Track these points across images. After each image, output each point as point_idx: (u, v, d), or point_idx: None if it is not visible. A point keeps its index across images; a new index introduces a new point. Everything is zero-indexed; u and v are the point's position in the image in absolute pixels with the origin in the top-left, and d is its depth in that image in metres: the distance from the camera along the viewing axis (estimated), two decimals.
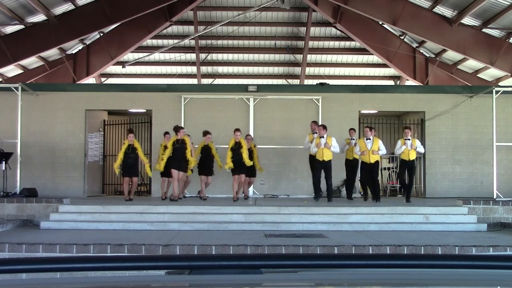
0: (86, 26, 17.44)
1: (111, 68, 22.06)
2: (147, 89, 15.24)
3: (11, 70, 19.64)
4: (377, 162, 11.81)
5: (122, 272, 1.35)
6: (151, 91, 14.97)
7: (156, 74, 23.43)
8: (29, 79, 19.01)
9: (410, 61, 20.26)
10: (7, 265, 1.27)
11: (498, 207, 10.61)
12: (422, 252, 7.23)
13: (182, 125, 14.12)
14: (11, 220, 10.11)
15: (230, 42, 21.56)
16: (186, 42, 20.70)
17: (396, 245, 7.55)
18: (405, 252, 7.21)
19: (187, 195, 13.24)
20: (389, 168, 16.00)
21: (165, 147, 12.13)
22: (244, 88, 14.76)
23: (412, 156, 11.82)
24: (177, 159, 11.57)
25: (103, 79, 23.03)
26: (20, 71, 19.86)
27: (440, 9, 16.94)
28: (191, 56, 22.12)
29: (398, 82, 22.94)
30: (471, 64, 19.40)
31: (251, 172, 12.40)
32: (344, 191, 13.62)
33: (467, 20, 16.98)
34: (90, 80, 21.44)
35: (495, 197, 12.16)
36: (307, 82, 22.34)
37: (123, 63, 20.83)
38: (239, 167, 11.68)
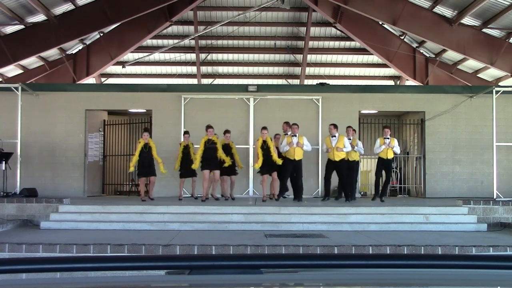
0: (86, 26, 17.44)
1: (111, 68, 22.06)
2: (147, 89, 15.24)
3: (11, 70, 19.64)
4: (343, 160, 11.71)
5: (122, 272, 1.35)
6: (151, 91, 14.97)
7: (156, 74, 23.43)
8: (29, 79, 19.01)
9: (410, 61, 20.26)
10: (7, 265, 1.27)
11: (498, 207, 10.61)
12: (422, 252, 7.23)
13: (182, 126, 14.16)
14: (11, 220, 10.11)
15: (230, 42, 21.57)
16: (186, 42, 20.70)
17: (396, 245, 7.54)
18: (405, 252, 7.21)
19: (218, 196, 12.58)
20: None
21: (184, 147, 12.10)
22: (244, 88, 14.76)
23: (390, 155, 11.89)
24: (208, 159, 11.42)
25: (103, 79, 23.03)
26: (20, 71, 19.86)
27: (440, 9, 16.94)
28: (191, 56, 22.12)
29: (398, 82, 22.94)
30: (471, 64, 19.40)
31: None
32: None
33: (467, 20, 16.98)
34: (90, 80, 21.44)
35: (495, 197, 12.16)
36: (307, 82, 22.34)
37: (123, 63, 20.84)
38: (268, 166, 11.48)
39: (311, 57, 22.03)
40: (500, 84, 18.40)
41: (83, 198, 13.54)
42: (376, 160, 12.47)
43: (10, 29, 17.41)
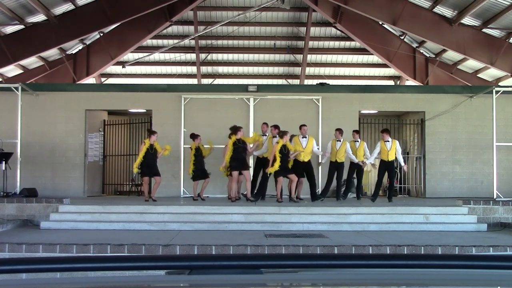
0: (86, 26, 17.44)
1: (111, 68, 22.06)
2: (147, 89, 15.24)
3: (11, 70, 19.64)
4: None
5: (122, 272, 1.35)
6: (151, 91, 14.97)
7: (156, 74, 23.43)
8: (29, 79, 19.01)
9: (410, 61, 20.27)
10: (7, 265, 1.27)
11: (498, 207, 10.62)
12: (422, 252, 7.23)
13: (182, 125, 14.15)
14: (11, 220, 10.11)
15: (230, 42, 21.57)
16: (186, 42, 20.70)
17: (396, 245, 7.54)
18: (405, 252, 7.21)
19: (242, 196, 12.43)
20: None
21: (196, 150, 12.08)
22: (244, 88, 14.76)
23: (391, 157, 11.88)
24: (237, 160, 11.36)
25: (103, 79, 23.04)
26: (20, 71, 19.86)
27: (440, 9, 16.94)
28: (191, 56, 22.13)
29: (398, 82, 22.94)
30: (471, 64, 19.40)
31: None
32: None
33: (467, 20, 16.98)
34: (90, 80, 21.44)
35: (495, 197, 12.16)
36: (307, 82, 22.34)
37: (123, 63, 20.83)
38: (284, 169, 11.33)
39: (311, 57, 22.04)
40: (500, 84, 18.40)
41: (83, 198, 13.54)
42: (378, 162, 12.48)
43: (10, 29, 17.41)
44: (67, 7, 17.01)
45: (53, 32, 17.08)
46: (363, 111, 15.02)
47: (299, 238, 8.33)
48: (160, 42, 21.32)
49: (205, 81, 23.28)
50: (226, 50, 22.17)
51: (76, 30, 17.40)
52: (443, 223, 9.90)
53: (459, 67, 20.06)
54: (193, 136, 12.23)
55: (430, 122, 14.53)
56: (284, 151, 11.25)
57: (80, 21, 17.13)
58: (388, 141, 11.88)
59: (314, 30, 20.80)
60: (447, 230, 9.57)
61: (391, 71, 22.31)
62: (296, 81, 23.16)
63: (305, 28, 20.49)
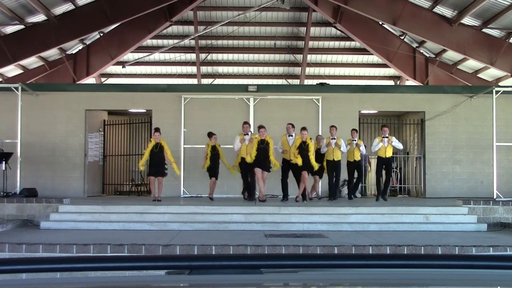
0: (86, 26, 17.43)
1: (111, 68, 22.06)
2: (147, 89, 15.24)
3: (11, 70, 19.64)
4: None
5: (122, 272, 1.35)
6: (151, 91, 14.97)
7: (156, 74, 23.43)
8: (29, 79, 19.00)
9: (410, 61, 20.26)
10: (7, 265, 1.27)
11: (498, 207, 10.61)
12: (422, 252, 7.23)
13: (182, 125, 14.16)
14: (11, 220, 10.11)
15: (230, 42, 21.56)
16: (186, 42, 20.70)
17: (396, 245, 7.54)
18: (405, 252, 7.21)
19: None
20: None
21: (212, 148, 12.07)
22: (244, 88, 14.76)
23: (389, 153, 11.97)
24: (260, 160, 11.23)
25: (103, 79, 23.03)
26: (20, 71, 19.86)
27: (440, 9, 16.93)
28: (191, 56, 22.12)
29: (398, 82, 22.94)
30: (471, 64, 19.40)
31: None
32: (344, 191, 13.62)
33: (467, 20, 16.98)
34: (90, 80, 21.44)
35: (495, 197, 12.16)
36: (307, 82, 22.34)
37: (123, 63, 20.83)
38: (307, 166, 11.24)
39: (311, 57, 22.03)
40: (500, 84, 18.40)
41: (83, 198, 13.54)
42: (376, 160, 12.51)
43: (10, 29, 17.41)
44: (67, 7, 17.00)
45: (53, 32, 17.07)
46: (363, 111, 15.02)
47: (299, 238, 8.33)
48: (160, 42, 21.32)
49: (205, 81, 23.27)
50: (226, 50, 22.17)
51: (76, 30, 17.40)
52: (443, 223, 9.90)
53: (459, 67, 20.06)
54: (210, 135, 12.27)
55: (430, 122, 14.53)
56: (304, 146, 11.21)
57: (80, 21, 17.12)
58: (386, 137, 11.91)
59: (314, 30, 20.80)
60: (447, 230, 9.57)
61: (391, 71, 22.30)
62: (296, 81, 23.16)
63: (305, 28, 20.49)
